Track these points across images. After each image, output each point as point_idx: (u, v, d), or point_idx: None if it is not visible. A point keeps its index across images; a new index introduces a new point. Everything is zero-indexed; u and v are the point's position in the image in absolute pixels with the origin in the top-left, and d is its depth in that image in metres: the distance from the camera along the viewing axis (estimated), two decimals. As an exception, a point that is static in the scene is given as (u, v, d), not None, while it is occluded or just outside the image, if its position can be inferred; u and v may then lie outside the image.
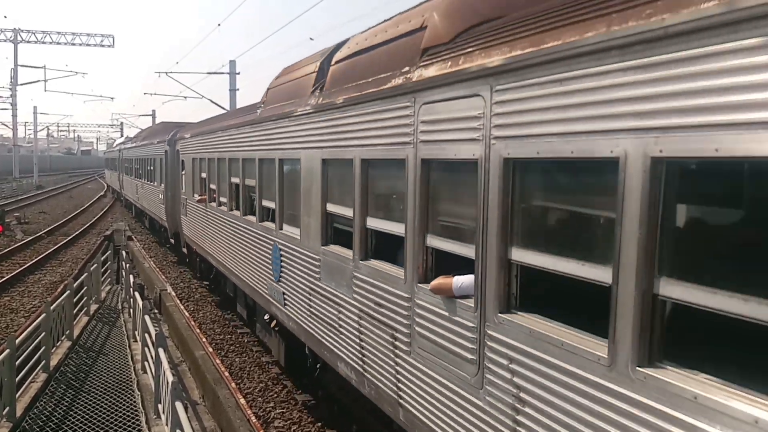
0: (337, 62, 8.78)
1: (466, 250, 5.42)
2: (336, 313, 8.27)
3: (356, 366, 7.70)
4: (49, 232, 34.87)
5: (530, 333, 4.55)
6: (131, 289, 16.31)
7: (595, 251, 4.11)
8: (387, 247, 7.13)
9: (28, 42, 65.01)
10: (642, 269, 3.59)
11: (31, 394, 11.08)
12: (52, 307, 12.88)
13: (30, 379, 11.58)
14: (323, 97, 8.79)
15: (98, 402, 11.23)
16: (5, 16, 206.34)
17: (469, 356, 5.32)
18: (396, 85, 6.56)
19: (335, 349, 8.33)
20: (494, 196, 4.90)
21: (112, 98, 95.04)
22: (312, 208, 9.09)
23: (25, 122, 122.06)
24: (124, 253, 22.25)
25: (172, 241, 26.03)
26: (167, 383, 8.92)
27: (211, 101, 42.38)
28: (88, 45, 65.10)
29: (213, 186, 16.52)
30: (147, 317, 12.58)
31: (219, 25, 42.02)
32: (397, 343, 6.63)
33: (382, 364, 6.98)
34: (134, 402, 11.31)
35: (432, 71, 5.92)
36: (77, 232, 34.70)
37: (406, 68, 6.46)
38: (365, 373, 7.45)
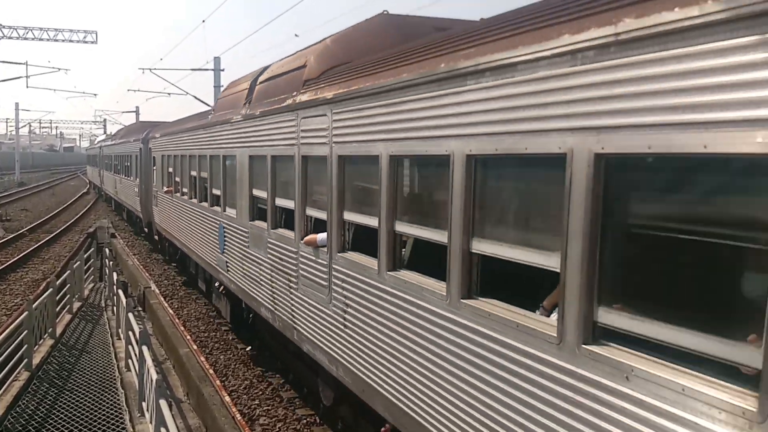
0: (260, 83, 11.81)
1: (325, 216, 8.26)
2: (258, 271, 11.20)
3: (270, 307, 10.59)
4: (32, 230, 34.59)
5: (352, 264, 7.51)
6: (115, 287, 16.24)
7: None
8: (286, 219, 10.13)
9: (10, 38, 64.27)
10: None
11: (13, 392, 10.99)
12: (34, 305, 12.79)
13: (12, 377, 11.49)
14: (249, 109, 11.77)
15: (81, 400, 11.16)
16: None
17: (324, 283, 8.29)
18: (288, 104, 9.53)
19: (258, 298, 11.27)
20: (336, 180, 7.84)
21: (95, 95, 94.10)
22: (243, 193, 11.97)
23: (7, 119, 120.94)
24: (107, 250, 22.13)
25: (146, 230, 28.65)
26: (151, 381, 8.89)
27: (195, 98, 42.13)
28: (70, 41, 64.48)
29: (178, 179, 19.40)
30: (131, 315, 12.52)
31: (203, 21, 41.81)
32: (290, 284, 9.59)
33: (284, 302, 9.93)
34: (118, 400, 11.25)
35: (306, 97, 8.94)
36: (60, 230, 34.45)
37: (294, 93, 9.47)
38: (276, 312, 10.34)
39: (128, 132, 40.40)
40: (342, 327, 7.82)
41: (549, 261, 4.39)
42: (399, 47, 7.38)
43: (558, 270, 4.23)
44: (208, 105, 38.98)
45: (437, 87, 5.62)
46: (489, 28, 5.37)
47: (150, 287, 18.58)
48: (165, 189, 21.47)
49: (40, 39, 64.70)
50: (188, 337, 13.96)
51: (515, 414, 4.70)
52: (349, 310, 7.60)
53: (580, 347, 4.06)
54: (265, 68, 12.31)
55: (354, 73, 7.76)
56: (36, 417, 10.36)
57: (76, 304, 17.44)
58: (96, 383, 12.07)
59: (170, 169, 20.71)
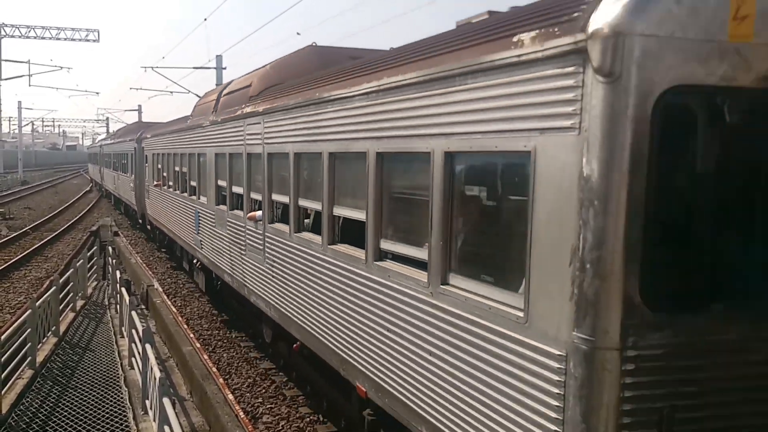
0: (223, 95, 15.34)
1: (260, 197, 11.28)
2: (221, 244, 14.26)
3: (230, 273, 13.63)
4: (35, 228, 34.64)
5: (276, 231, 10.48)
6: (118, 285, 16.25)
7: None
8: (239, 201, 13.04)
9: (12, 36, 64.32)
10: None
11: (18, 390, 11.02)
12: (38, 303, 12.81)
13: (16, 375, 11.51)
14: (216, 117, 14.94)
15: (85, 398, 11.19)
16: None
17: (260, 247, 11.33)
18: (238, 114, 12.79)
19: (222, 267, 14.31)
20: (266, 172, 10.86)
21: (97, 93, 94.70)
22: (211, 183, 15.22)
23: (10, 117, 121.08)
24: (110, 248, 22.15)
25: (140, 221, 31.59)
26: (155, 379, 8.90)
27: (198, 96, 42.17)
28: (73, 39, 64.47)
29: (165, 174, 22.57)
30: (134, 313, 12.53)
31: (205, 19, 41.69)
32: (241, 251, 12.61)
33: (238, 266, 12.94)
34: (121, 398, 11.27)
35: (248, 109, 12.11)
36: (63, 228, 34.49)
37: (243, 106, 12.71)
38: (233, 275, 13.37)
39: (125, 132, 43.80)
40: (271, 277, 10.86)
41: (360, 215, 7.52)
42: (304, 77, 10.64)
43: (365, 220, 7.36)
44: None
45: (315, 108, 8.85)
46: (338, 73, 8.68)
47: (153, 285, 18.59)
48: (154, 183, 24.65)
49: (43, 38, 64.71)
50: (191, 335, 13.97)
51: (338, 303, 8.21)
52: (275, 264, 10.67)
53: (373, 264, 7.20)
54: (228, 83, 16.39)
55: (277, 94, 11.11)
56: (40, 414, 10.39)
57: (80, 303, 17.46)
58: (99, 381, 12.10)
59: (159, 166, 23.93)
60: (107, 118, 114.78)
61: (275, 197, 10.70)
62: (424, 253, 6.13)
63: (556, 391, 4.39)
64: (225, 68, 43.22)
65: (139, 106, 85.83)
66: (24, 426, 9.92)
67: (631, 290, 4.15)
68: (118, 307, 16.19)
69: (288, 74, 12.25)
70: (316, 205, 8.98)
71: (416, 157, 6.26)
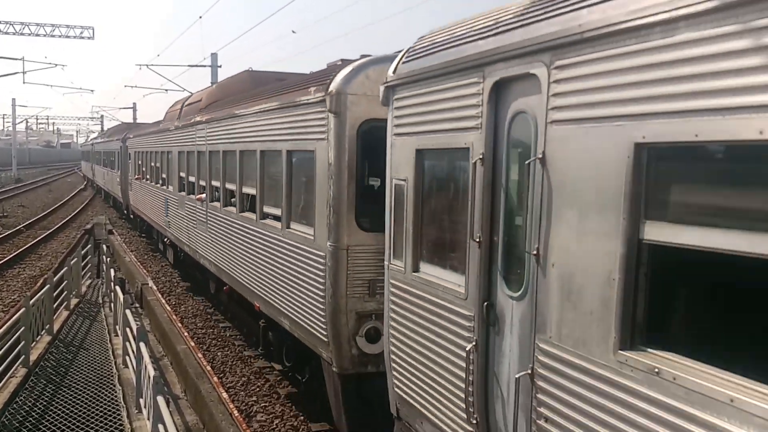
0: (185, 105, 19.60)
1: (204, 183, 15.49)
2: (181, 222, 18.23)
3: (187, 243, 17.62)
4: (29, 226, 34.53)
5: (211, 206, 14.86)
6: (112, 283, 16.22)
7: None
8: (193, 188, 16.69)
9: (6, 33, 64.02)
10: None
11: (11, 389, 10.99)
12: (31, 302, 12.78)
13: (9, 373, 11.48)
14: (179, 123, 18.98)
15: (79, 397, 11.16)
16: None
17: (204, 220, 15.36)
18: (192, 122, 16.83)
19: (183, 240, 18.23)
20: (207, 165, 15.08)
21: (92, 91, 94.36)
22: (175, 175, 19.24)
23: (3, 115, 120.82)
24: (104, 246, 22.11)
25: (125, 211, 35.63)
26: (149, 378, 8.89)
27: (192, 94, 42.07)
28: (67, 37, 64.19)
29: (144, 168, 26.62)
30: (128, 311, 12.52)
31: (200, 17, 41.61)
32: (194, 226, 16.44)
33: (193, 237, 16.88)
34: (115, 396, 11.25)
35: (198, 118, 16.33)
36: (57, 226, 34.40)
37: (196, 115, 16.75)
38: (190, 245, 17.29)
39: (113, 132, 48.83)
40: (211, 241, 14.79)
41: (253, 191, 11.61)
42: (232, 97, 15.12)
43: (255, 194, 11.43)
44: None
45: (232, 120, 13.16)
46: (243, 99, 13.11)
47: (147, 284, 18.57)
48: (135, 177, 28.87)
49: (37, 35, 64.39)
50: (186, 333, 13.96)
51: (244, 250, 12.19)
52: (212, 231, 14.67)
53: (259, 221, 11.11)
54: (189, 96, 21.48)
55: (215, 108, 15.42)
56: (33, 413, 10.36)
57: (74, 301, 17.43)
58: (93, 380, 12.07)
59: (139, 162, 28.04)
60: (102, 116, 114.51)
61: (213, 183, 14.82)
62: (279, 211, 10.28)
63: (322, 272, 8.46)
64: (220, 66, 43.17)
65: (134, 104, 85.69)
66: (17, 424, 9.90)
67: (351, 221, 8.18)
68: (112, 305, 16.16)
69: (228, 92, 16.53)
70: (233, 187, 13.01)
71: (278, 155, 10.37)
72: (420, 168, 6.14)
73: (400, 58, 6.60)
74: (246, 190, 12.21)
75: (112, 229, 29.29)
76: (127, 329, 12.12)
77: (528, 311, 4.58)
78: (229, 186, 13.33)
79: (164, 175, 21.42)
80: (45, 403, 10.85)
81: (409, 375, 6.29)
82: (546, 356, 4.32)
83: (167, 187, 20.68)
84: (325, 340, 8.44)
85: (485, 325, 5.14)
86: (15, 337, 11.98)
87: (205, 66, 43.88)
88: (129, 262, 22.37)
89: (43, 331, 13.98)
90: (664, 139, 3.42)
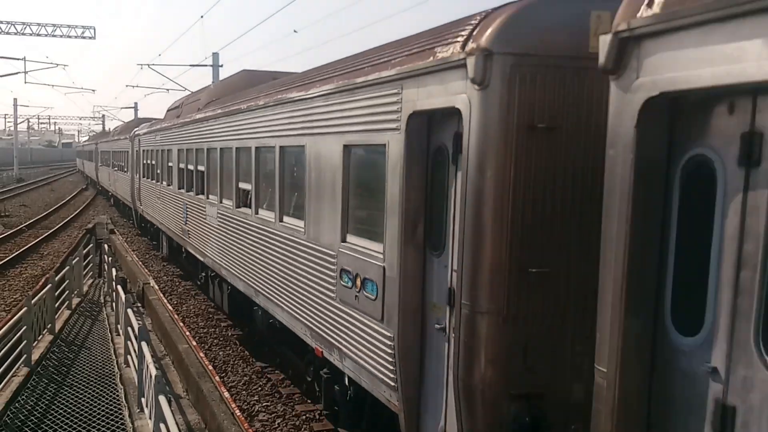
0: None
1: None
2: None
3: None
4: (30, 225, 34.55)
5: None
6: (114, 283, 16.22)
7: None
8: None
9: (8, 33, 64.01)
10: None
11: (13, 388, 10.99)
12: (33, 301, 12.78)
13: (11, 373, 11.48)
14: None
15: (81, 396, 11.16)
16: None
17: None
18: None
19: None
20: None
21: (93, 90, 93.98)
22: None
23: (5, 114, 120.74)
24: (106, 246, 22.11)
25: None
26: (150, 377, 8.89)
27: (192, 93, 42.08)
28: (69, 37, 64.19)
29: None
30: (130, 311, 12.52)
31: (202, 17, 41.60)
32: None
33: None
34: (117, 396, 11.25)
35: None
36: (58, 226, 34.41)
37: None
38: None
39: (122, 130, 47.75)
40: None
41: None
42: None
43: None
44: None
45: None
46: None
47: (149, 283, 18.57)
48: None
49: (39, 34, 64.35)
50: (187, 333, 13.95)
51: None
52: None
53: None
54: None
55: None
56: (35, 412, 10.36)
57: (75, 300, 17.44)
58: (95, 379, 12.07)
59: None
60: (103, 116, 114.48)
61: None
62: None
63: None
64: (222, 65, 43.15)
65: (135, 103, 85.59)
66: (19, 424, 9.90)
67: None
68: (114, 305, 16.17)
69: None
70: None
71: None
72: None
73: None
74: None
75: (113, 228, 29.28)
76: (129, 329, 12.12)
77: None
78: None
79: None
80: (47, 402, 10.85)
81: None
82: None
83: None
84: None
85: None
86: (17, 336, 11.98)
87: (206, 65, 43.89)
88: (130, 262, 22.37)
89: (45, 330, 13.99)
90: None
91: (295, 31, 36.34)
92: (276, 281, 10.46)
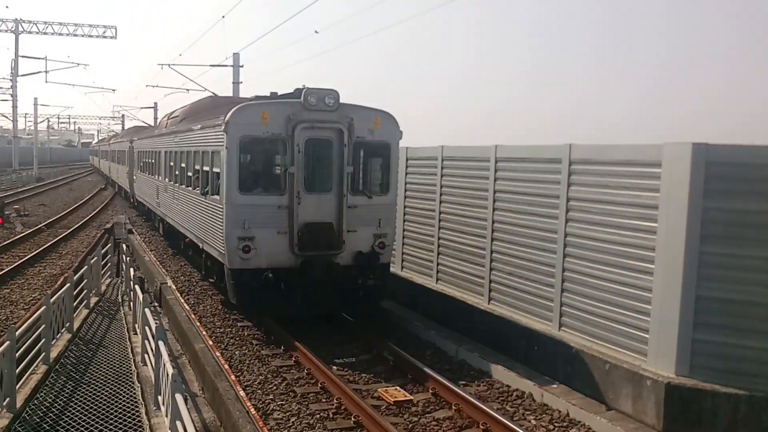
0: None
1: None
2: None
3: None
4: (49, 225, 34.92)
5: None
6: (131, 282, 16.36)
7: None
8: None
9: (30, 33, 64.76)
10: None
11: (32, 385, 11.13)
12: (52, 300, 12.93)
13: (30, 370, 11.63)
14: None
15: (98, 393, 11.29)
16: (7, 6, 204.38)
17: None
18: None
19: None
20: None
21: (113, 90, 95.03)
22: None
23: (26, 114, 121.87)
24: (124, 246, 22.31)
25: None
26: (167, 375, 8.97)
27: (214, 94, 42.26)
28: (90, 36, 64.82)
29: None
30: (147, 310, 12.62)
31: (223, 17, 41.84)
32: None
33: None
34: (134, 394, 11.36)
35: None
36: (77, 225, 34.75)
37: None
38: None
39: (124, 135, 53.42)
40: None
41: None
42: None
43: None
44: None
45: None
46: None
47: (166, 283, 18.70)
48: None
49: (60, 34, 65.06)
50: (204, 332, 14.06)
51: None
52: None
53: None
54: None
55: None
56: (53, 409, 10.50)
57: (93, 299, 17.62)
58: (112, 377, 12.20)
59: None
60: (123, 116, 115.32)
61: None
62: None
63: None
64: (242, 66, 43.36)
65: (155, 103, 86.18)
66: (38, 420, 10.03)
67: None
68: (131, 304, 16.31)
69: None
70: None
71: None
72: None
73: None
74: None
75: (131, 228, 29.54)
76: (146, 328, 12.23)
77: None
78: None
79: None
80: (65, 399, 10.98)
81: None
82: None
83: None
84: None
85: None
86: (36, 334, 12.13)
87: (226, 65, 44.12)
88: (148, 262, 22.54)
89: (63, 329, 14.14)
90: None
91: (316, 32, 36.45)
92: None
